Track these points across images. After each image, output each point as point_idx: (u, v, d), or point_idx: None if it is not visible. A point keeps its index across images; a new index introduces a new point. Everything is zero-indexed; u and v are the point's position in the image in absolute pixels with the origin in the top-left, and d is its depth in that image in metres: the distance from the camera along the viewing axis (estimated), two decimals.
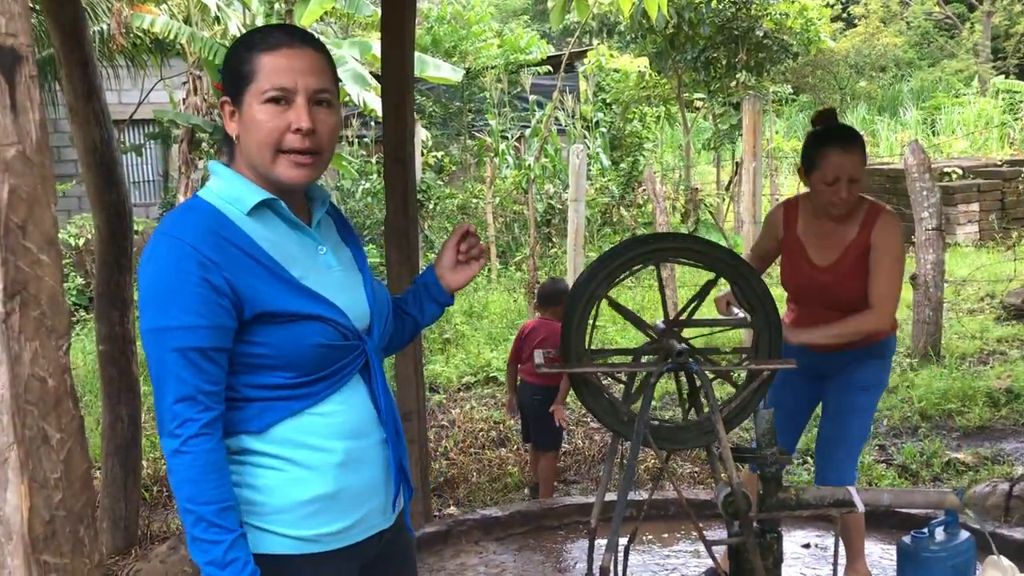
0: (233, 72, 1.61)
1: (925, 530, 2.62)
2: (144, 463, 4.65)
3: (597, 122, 14.12)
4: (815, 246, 3.06)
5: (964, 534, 2.62)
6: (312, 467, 1.60)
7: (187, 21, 9.81)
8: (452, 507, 4.54)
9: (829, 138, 2.92)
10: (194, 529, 1.51)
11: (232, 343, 1.55)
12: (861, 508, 2.47)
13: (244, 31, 9.31)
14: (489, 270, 10.60)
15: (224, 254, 1.53)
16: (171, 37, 9.17)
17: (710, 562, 3.38)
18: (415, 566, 1.90)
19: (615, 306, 2.57)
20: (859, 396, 3.08)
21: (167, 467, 1.53)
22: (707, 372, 2.49)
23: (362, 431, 1.66)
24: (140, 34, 9.59)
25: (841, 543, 3.10)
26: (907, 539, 2.63)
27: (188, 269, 1.50)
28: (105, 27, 9.42)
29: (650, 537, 4.09)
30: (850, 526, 3.21)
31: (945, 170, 11.85)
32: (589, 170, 12.35)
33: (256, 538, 1.58)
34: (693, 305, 2.61)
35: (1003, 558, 2.44)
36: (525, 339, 4.52)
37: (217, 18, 9.51)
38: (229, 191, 1.61)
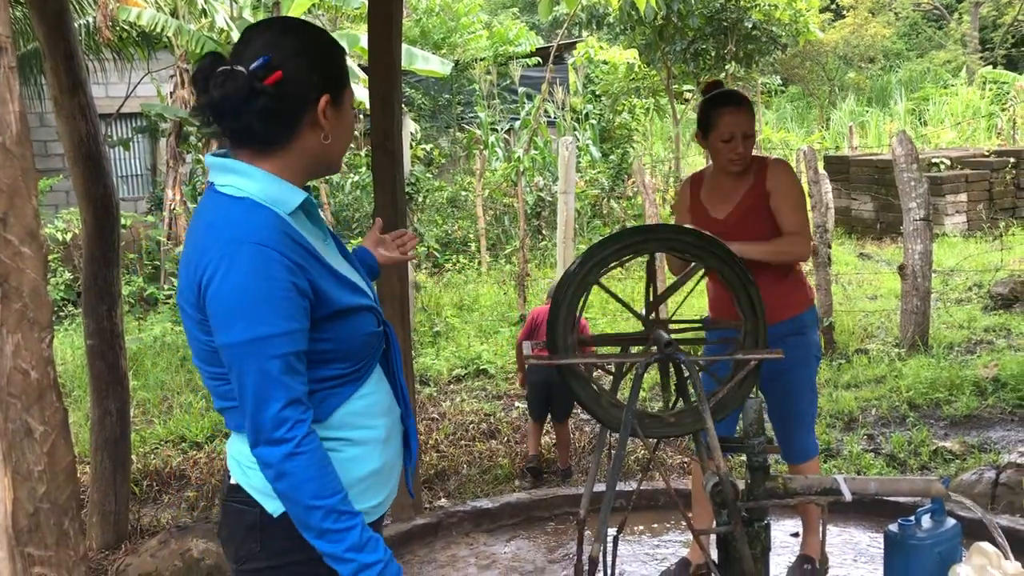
0: (338, 67, 1.64)
1: (912, 518, 2.63)
2: (134, 457, 4.64)
3: (587, 114, 14.11)
4: (714, 203, 3.26)
5: (950, 521, 2.63)
6: (365, 444, 1.69)
7: (174, 14, 9.75)
8: (443, 499, 4.54)
9: (721, 100, 3.16)
10: (325, 523, 1.53)
11: None
12: (848, 496, 2.48)
13: (231, 23, 9.28)
14: (479, 263, 10.60)
15: (301, 257, 1.55)
16: (158, 30, 9.12)
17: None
18: None
19: (605, 289, 2.57)
20: (788, 376, 3.17)
21: (277, 473, 1.53)
22: (694, 362, 2.50)
23: (391, 408, 1.77)
24: (127, 27, 9.53)
25: (821, 527, 3.14)
26: (894, 527, 2.65)
27: (279, 275, 1.50)
28: (91, 20, 9.36)
29: (640, 527, 4.11)
30: (807, 506, 3.37)
31: (933, 160, 11.89)
32: (579, 162, 12.35)
33: None
34: (672, 294, 2.62)
35: (988, 544, 2.46)
36: (541, 324, 4.76)
37: (204, 11, 9.45)
38: (270, 192, 1.59)
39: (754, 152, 3.22)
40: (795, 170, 12.14)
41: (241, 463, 1.67)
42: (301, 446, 1.51)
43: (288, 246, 1.53)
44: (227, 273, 1.50)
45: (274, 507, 1.63)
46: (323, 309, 1.58)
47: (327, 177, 11.56)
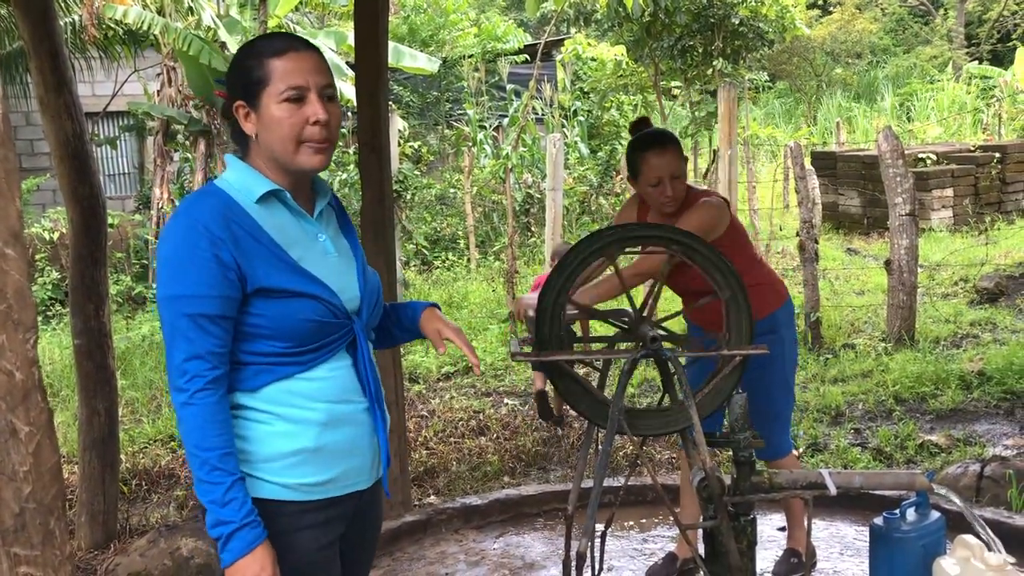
0: (245, 78, 1.82)
1: (897, 511, 2.65)
2: (123, 457, 4.62)
3: (575, 111, 14.12)
4: None
5: (935, 514, 2.65)
6: (297, 422, 1.80)
7: (160, 12, 9.71)
8: (432, 496, 4.55)
9: (644, 144, 3.07)
10: (199, 471, 1.70)
11: (235, 313, 1.75)
12: (833, 491, 2.50)
13: (218, 21, 9.25)
14: (468, 260, 10.60)
15: (232, 234, 1.74)
16: (144, 28, 9.07)
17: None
18: (381, 517, 2.11)
19: (579, 308, 2.58)
20: (761, 374, 3.12)
21: (177, 417, 1.73)
22: (680, 359, 2.51)
23: (346, 398, 1.86)
24: (113, 25, 9.48)
25: (806, 521, 3.16)
26: (879, 520, 2.67)
27: (201, 246, 1.71)
28: (77, 18, 9.31)
29: (630, 523, 4.13)
30: (791, 501, 3.40)
31: (919, 156, 11.94)
32: (567, 159, 12.36)
33: (247, 484, 1.76)
34: (656, 290, 2.63)
35: (972, 537, 2.48)
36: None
37: (191, 8, 9.41)
38: (240, 181, 1.83)
39: (691, 188, 3.10)
40: (784, 165, 11.90)
41: None
42: (194, 398, 1.69)
43: (221, 224, 1.73)
44: (164, 240, 1.76)
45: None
46: (251, 284, 1.75)
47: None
